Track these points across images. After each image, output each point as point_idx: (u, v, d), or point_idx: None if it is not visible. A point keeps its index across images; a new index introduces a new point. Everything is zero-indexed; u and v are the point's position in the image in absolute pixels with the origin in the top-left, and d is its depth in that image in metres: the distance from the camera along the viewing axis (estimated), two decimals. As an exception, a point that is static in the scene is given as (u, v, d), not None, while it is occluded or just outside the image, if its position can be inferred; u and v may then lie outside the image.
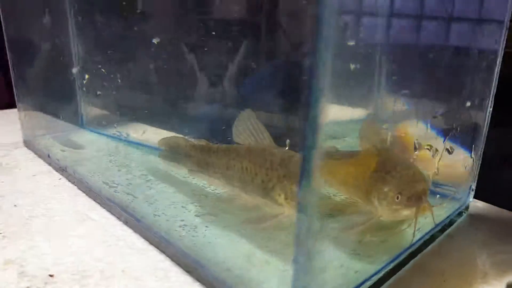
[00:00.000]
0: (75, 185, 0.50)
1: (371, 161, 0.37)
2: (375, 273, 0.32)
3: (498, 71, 0.40)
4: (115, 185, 0.43)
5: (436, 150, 0.40)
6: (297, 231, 0.23)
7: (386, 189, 0.34)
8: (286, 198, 0.33)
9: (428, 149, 0.41)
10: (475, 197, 0.47)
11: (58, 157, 0.55)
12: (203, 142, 0.40)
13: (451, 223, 0.42)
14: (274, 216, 0.34)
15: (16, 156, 0.61)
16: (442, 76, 0.39)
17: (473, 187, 0.43)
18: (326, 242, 0.30)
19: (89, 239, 0.38)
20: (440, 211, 0.40)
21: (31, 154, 0.62)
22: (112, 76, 0.42)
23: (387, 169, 0.35)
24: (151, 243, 0.37)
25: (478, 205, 0.46)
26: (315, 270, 0.24)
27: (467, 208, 0.44)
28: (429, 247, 0.38)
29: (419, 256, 0.37)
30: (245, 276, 0.30)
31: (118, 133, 0.48)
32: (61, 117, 0.52)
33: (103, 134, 0.53)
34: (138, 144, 0.48)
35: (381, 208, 0.34)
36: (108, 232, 0.40)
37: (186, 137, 0.42)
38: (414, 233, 0.34)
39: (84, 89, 0.44)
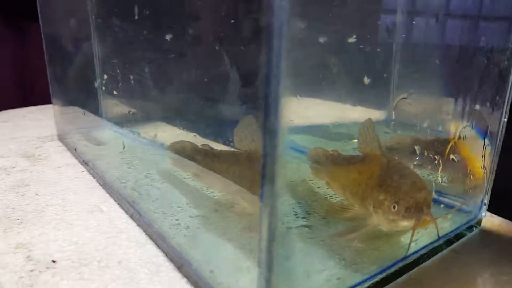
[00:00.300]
0: (94, 178, 0.53)
1: (368, 166, 0.36)
2: (360, 283, 0.31)
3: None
4: (124, 181, 0.45)
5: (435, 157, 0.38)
6: (260, 235, 0.23)
7: (381, 197, 0.33)
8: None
9: (433, 156, 0.39)
10: (494, 212, 0.45)
11: (82, 151, 0.58)
12: (206, 147, 0.41)
13: (459, 237, 0.40)
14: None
15: (48, 149, 0.65)
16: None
17: (485, 201, 0.41)
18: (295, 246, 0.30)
19: (94, 230, 0.40)
20: (445, 223, 0.39)
21: (62, 147, 0.66)
22: (129, 76, 0.44)
23: (383, 176, 0.34)
24: (150, 237, 0.39)
25: (494, 220, 0.44)
26: (280, 273, 0.24)
27: (479, 222, 0.42)
28: (429, 261, 0.37)
29: (415, 269, 0.35)
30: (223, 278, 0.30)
31: (132, 132, 0.50)
32: (84, 113, 0.55)
33: (120, 133, 0.56)
34: (151, 144, 0.50)
35: (377, 216, 0.33)
36: (113, 224, 0.42)
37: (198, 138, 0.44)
38: (409, 246, 0.33)
39: (103, 88, 0.46)
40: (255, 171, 0.35)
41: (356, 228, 0.34)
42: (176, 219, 0.38)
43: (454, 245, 0.39)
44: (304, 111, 0.56)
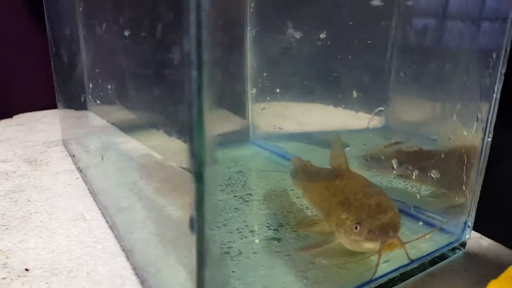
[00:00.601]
0: (87, 186, 0.55)
1: (333, 182, 0.35)
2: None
3: (498, 94, 0.36)
4: (107, 190, 0.46)
5: (414, 171, 0.37)
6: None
7: (343, 216, 0.32)
8: (336, 225, 0.33)
9: (408, 169, 0.38)
10: (485, 234, 0.43)
11: (78, 158, 0.60)
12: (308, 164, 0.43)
13: (441, 258, 0.38)
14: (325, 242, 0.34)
15: (52, 154, 0.68)
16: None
17: (469, 223, 0.39)
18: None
19: (73, 239, 0.41)
20: (423, 244, 0.37)
21: (65, 153, 0.68)
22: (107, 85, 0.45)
23: (347, 193, 0.33)
24: (123, 250, 0.40)
25: (482, 243, 0.42)
26: None
27: (463, 245, 0.40)
28: (401, 284, 0.35)
29: (385, 292, 0.34)
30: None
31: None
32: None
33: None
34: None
35: (339, 235, 0.32)
36: (92, 234, 0.42)
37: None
38: (375, 270, 0.32)
39: (90, 97, 0.47)
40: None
41: (321, 244, 0.33)
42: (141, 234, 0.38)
43: (432, 268, 0.37)
44: (295, 119, 0.55)
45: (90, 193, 0.52)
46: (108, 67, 0.41)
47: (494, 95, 0.36)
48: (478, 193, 0.38)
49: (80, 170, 0.58)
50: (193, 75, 0.19)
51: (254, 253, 0.35)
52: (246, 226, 0.40)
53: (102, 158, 0.44)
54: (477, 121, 0.36)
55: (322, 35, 0.47)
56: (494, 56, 0.34)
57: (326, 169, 0.39)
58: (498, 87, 0.35)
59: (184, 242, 0.23)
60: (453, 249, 0.39)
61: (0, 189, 0.53)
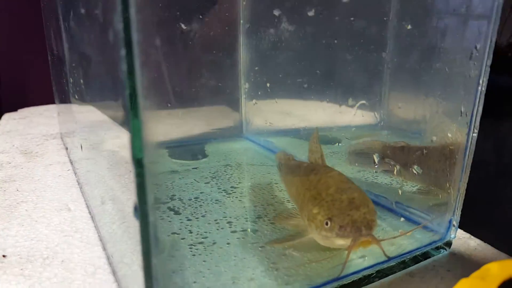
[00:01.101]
0: (76, 178, 0.55)
1: (308, 176, 0.34)
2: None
3: (483, 87, 0.34)
4: (88, 183, 0.46)
5: (396, 166, 0.36)
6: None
7: (315, 211, 0.31)
8: (308, 219, 0.32)
9: (390, 164, 0.37)
10: (475, 234, 0.41)
11: (71, 150, 0.60)
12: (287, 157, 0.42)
13: (424, 257, 0.37)
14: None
15: (48, 146, 0.68)
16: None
17: (454, 222, 0.38)
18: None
19: (53, 228, 0.41)
20: (404, 241, 0.36)
21: (61, 146, 0.69)
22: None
23: (319, 188, 0.32)
24: (101, 240, 0.39)
25: (470, 243, 0.40)
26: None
27: (447, 244, 0.39)
28: (378, 281, 0.34)
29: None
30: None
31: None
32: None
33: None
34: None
35: (311, 230, 0.32)
36: (73, 223, 0.43)
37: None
38: (343, 267, 0.30)
39: (71, 91, 0.48)
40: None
41: (293, 237, 0.33)
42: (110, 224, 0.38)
43: (413, 267, 0.36)
44: (288, 114, 0.55)
45: (78, 184, 0.52)
46: (75, 59, 0.41)
47: (479, 88, 0.34)
48: (463, 191, 0.37)
49: (71, 162, 0.58)
50: (122, 54, 0.18)
51: (228, 243, 0.35)
52: (224, 217, 0.39)
53: (81, 148, 0.44)
54: (461, 115, 0.35)
55: (315, 29, 0.46)
56: (477, 46, 0.33)
57: (304, 163, 0.39)
58: (483, 80, 0.34)
59: (133, 230, 0.23)
60: (437, 248, 0.38)
61: (-9, 179, 0.54)
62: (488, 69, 0.34)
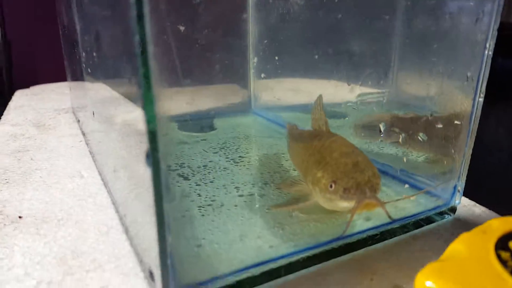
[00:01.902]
0: (88, 148, 0.56)
1: (311, 142, 0.35)
2: (291, 254, 0.30)
3: (490, 51, 0.34)
4: (100, 152, 0.47)
5: (401, 134, 0.36)
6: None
7: (319, 175, 0.32)
8: (312, 183, 0.33)
9: (396, 132, 0.38)
10: (478, 201, 0.42)
11: (83, 122, 0.61)
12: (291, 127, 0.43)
13: (427, 221, 0.38)
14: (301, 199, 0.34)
15: (60, 120, 0.70)
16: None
17: (459, 187, 0.38)
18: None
19: (67, 193, 0.43)
20: (407, 204, 0.37)
21: (72, 119, 0.70)
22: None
23: (323, 153, 0.33)
24: (114, 203, 0.41)
25: (475, 210, 0.41)
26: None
27: (452, 210, 0.39)
28: (381, 243, 0.35)
29: (362, 250, 0.34)
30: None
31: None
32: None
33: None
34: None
35: (315, 194, 0.32)
36: (86, 189, 0.44)
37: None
38: (346, 227, 0.31)
39: (84, 65, 0.48)
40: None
41: (297, 201, 0.34)
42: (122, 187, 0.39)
43: (417, 231, 0.37)
44: (297, 90, 0.55)
45: (90, 154, 0.54)
46: (89, 34, 0.41)
47: (486, 52, 0.34)
48: (468, 157, 0.37)
49: (83, 134, 0.60)
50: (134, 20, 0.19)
51: (235, 206, 0.36)
52: (232, 183, 0.40)
53: (93, 114, 0.45)
54: (467, 80, 0.35)
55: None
56: (484, 9, 0.33)
57: (307, 131, 0.39)
58: (490, 43, 0.34)
59: (144, 181, 0.24)
60: (441, 213, 0.39)
61: (6, 149, 0.55)
62: (496, 33, 0.34)
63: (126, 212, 0.35)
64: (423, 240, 0.36)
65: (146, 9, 0.20)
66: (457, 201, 0.39)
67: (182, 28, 0.50)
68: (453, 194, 0.39)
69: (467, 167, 0.38)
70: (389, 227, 0.35)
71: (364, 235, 0.34)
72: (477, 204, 0.42)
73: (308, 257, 0.31)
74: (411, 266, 0.32)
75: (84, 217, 0.38)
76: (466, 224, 0.38)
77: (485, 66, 0.35)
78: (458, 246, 0.25)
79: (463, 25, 0.34)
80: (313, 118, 0.39)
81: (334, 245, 0.32)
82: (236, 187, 0.39)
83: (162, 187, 0.23)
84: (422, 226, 0.37)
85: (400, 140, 0.37)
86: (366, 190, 0.30)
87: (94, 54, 0.39)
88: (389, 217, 0.33)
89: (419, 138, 0.36)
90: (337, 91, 0.47)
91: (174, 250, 0.25)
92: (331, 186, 0.30)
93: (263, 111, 0.63)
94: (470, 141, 0.37)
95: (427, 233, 0.37)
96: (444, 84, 0.36)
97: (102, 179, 0.46)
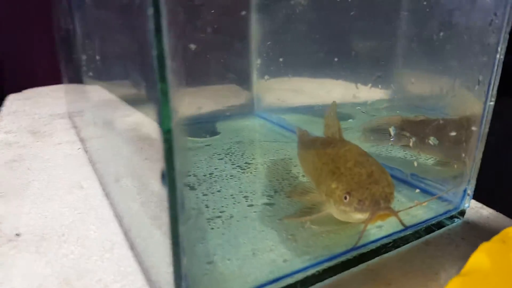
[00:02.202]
0: (87, 156, 0.55)
1: (325, 151, 0.34)
2: (306, 268, 0.30)
3: (502, 55, 0.34)
4: (104, 159, 0.46)
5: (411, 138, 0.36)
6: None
7: (333, 186, 0.31)
8: (326, 194, 0.32)
9: (407, 136, 0.37)
10: (486, 204, 0.41)
11: (81, 129, 0.60)
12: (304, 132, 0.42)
13: (438, 226, 0.37)
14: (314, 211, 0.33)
15: (56, 126, 0.68)
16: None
17: (469, 190, 0.38)
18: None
19: (67, 206, 0.42)
20: (419, 211, 0.36)
21: (69, 125, 0.68)
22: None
23: (337, 162, 0.32)
24: (116, 216, 0.40)
25: (482, 212, 0.41)
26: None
27: (461, 213, 0.39)
28: (394, 251, 0.34)
29: (377, 259, 0.33)
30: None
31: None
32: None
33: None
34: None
35: (329, 205, 0.32)
36: (87, 201, 0.43)
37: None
38: (359, 238, 0.30)
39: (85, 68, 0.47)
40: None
41: (310, 212, 0.33)
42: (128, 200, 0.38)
43: (428, 236, 0.36)
44: (300, 92, 0.54)
45: (90, 162, 0.52)
46: (94, 36, 0.40)
47: (498, 56, 0.34)
48: (479, 160, 0.37)
49: (81, 140, 0.58)
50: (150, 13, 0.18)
51: (245, 217, 0.35)
52: (240, 192, 0.39)
53: (94, 120, 0.43)
54: (478, 84, 0.34)
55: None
56: (497, 13, 0.32)
57: (320, 138, 0.38)
58: (502, 47, 0.33)
59: (157, 199, 0.23)
60: (451, 217, 0.38)
61: (1, 159, 0.53)
62: (507, 36, 0.33)
63: (131, 226, 0.34)
64: (434, 246, 0.35)
65: (164, 23, 0.19)
66: (466, 205, 0.39)
67: (199, 35, 0.48)
68: (463, 197, 0.38)
69: (477, 171, 0.37)
70: (402, 234, 0.35)
71: (378, 244, 0.33)
72: (484, 206, 0.42)
73: (324, 270, 0.30)
74: (425, 273, 0.32)
75: (86, 232, 0.37)
76: (476, 228, 0.38)
77: (496, 70, 0.34)
78: (479, 258, 0.25)
79: (476, 30, 0.33)
80: (326, 124, 0.38)
81: (349, 256, 0.32)
82: (244, 196, 0.38)
83: (178, 207, 0.22)
84: (433, 231, 0.37)
85: (411, 143, 0.37)
86: (380, 201, 0.29)
87: (98, 57, 0.38)
88: (403, 224, 0.32)
89: (430, 142, 0.36)
90: (343, 93, 0.46)
91: (188, 271, 0.24)
92: (345, 198, 0.30)
93: (266, 114, 0.62)
94: (481, 145, 0.36)
95: (438, 238, 0.36)
96: (455, 87, 0.35)
97: (104, 190, 0.45)
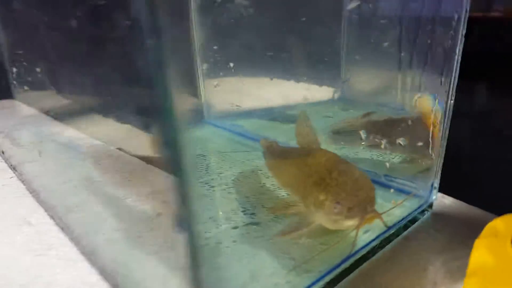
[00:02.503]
0: (24, 185, 0.48)
1: (306, 162, 0.34)
2: (311, 285, 0.29)
3: (459, 56, 0.36)
4: (53, 188, 0.41)
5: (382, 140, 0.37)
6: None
7: (322, 198, 0.31)
8: (314, 206, 0.31)
9: (376, 138, 0.38)
10: (444, 192, 0.44)
11: (10, 153, 0.53)
12: (272, 143, 0.40)
13: (412, 221, 0.39)
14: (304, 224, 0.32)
15: (-26, 152, 0.59)
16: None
17: (436, 184, 0.40)
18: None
19: (19, 248, 0.36)
20: (396, 210, 0.38)
21: (-10, 150, 0.60)
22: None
23: (322, 173, 0.32)
24: (83, 253, 0.35)
25: (445, 202, 0.43)
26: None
27: (430, 206, 0.41)
28: (380, 252, 0.35)
29: (366, 263, 0.34)
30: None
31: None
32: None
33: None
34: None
35: (319, 216, 0.31)
36: (42, 239, 0.38)
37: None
38: (353, 245, 0.31)
39: (15, 82, 0.42)
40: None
41: (299, 226, 0.32)
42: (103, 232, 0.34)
43: (406, 232, 0.38)
44: (252, 95, 0.53)
45: (30, 193, 0.46)
46: (36, 46, 0.35)
47: (456, 57, 0.36)
48: (443, 155, 0.39)
49: (13, 168, 0.51)
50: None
51: (234, 241, 0.33)
52: (219, 213, 0.37)
53: (39, 154, 0.38)
54: (440, 84, 0.36)
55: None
56: (456, 17, 0.34)
57: (295, 149, 0.38)
58: (459, 48, 0.36)
59: (168, 241, 0.20)
60: (422, 211, 0.40)
61: None
62: (463, 39, 0.36)
63: (111, 263, 0.31)
64: (414, 241, 0.37)
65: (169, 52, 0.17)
66: (433, 197, 0.41)
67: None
68: (431, 191, 0.40)
69: (441, 164, 0.40)
70: (386, 234, 0.36)
71: (368, 248, 0.34)
72: (444, 195, 0.45)
73: (327, 283, 0.30)
74: (415, 271, 0.33)
75: (52, 277, 0.33)
76: (444, 218, 0.40)
77: (456, 70, 0.36)
78: (480, 255, 0.26)
79: (438, 33, 0.35)
80: (299, 134, 0.37)
81: (346, 264, 0.32)
82: (226, 218, 0.36)
83: (198, 251, 0.20)
84: (409, 227, 0.38)
85: (382, 146, 0.38)
86: (367, 206, 0.30)
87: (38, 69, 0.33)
88: (386, 225, 0.33)
89: (400, 142, 0.37)
90: (298, 93, 0.46)
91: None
92: (335, 208, 0.30)
93: (218, 121, 0.60)
94: (444, 141, 0.39)
95: (415, 232, 0.38)
96: (421, 87, 0.37)
97: (57, 224, 0.40)
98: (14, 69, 0.39)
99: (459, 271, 0.33)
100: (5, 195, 0.46)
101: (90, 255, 0.34)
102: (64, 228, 0.38)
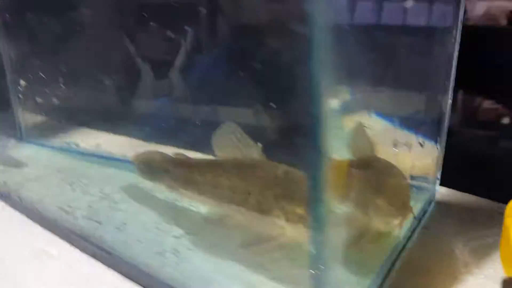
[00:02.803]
0: (24, 214, 0.44)
1: (363, 171, 0.36)
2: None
3: (456, 53, 0.40)
4: (70, 210, 0.38)
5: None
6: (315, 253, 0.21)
7: (380, 202, 0.33)
8: (287, 220, 0.31)
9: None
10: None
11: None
12: (180, 156, 0.37)
13: (424, 213, 0.43)
14: (273, 237, 0.32)
15: None
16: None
17: (438, 176, 0.45)
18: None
19: (53, 282, 0.34)
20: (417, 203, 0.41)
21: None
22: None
23: (380, 180, 0.34)
24: (128, 277, 0.34)
25: (442, 192, 0.48)
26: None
27: (434, 196, 0.45)
28: (410, 241, 0.39)
29: (404, 252, 0.37)
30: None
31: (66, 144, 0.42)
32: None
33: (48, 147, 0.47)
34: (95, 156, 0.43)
35: (377, 220, 0.33)
36: (73, 270, 0.35)
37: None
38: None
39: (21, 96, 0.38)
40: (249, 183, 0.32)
41: (361, 236, 0.34)
42: (160, 246, 0.33)
43: (422, 222, 0.42)
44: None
45: (36, 221, 0.42)
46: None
47: (454, 63, 0.41)
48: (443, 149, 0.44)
49: (6, 196, 0.46)
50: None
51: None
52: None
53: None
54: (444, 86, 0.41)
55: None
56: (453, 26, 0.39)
57: (353, 160, 0.37)
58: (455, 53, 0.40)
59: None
60: (429, 202, 0.44)
61: None
62: (459, 46, 0.41)
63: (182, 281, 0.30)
64: (433, 229, 0.40)
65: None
66: (437, 188, 0.46)
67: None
68: (435, 183, 0.45)
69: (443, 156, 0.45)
70: (413, 224, 0.39)
71: (406, 239, 0.37)
72: (440, 186, 0.49)
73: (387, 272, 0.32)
74: (446, 253, 0.37)
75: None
76: (447, 206, 0.45)
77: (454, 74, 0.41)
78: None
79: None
80: (352, 145, 0.37)
81: (394, 254, 0.35)
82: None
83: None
84: (422, 216, 0.42)
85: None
86: (409, 202, 0.33)
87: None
88: (415, 216, 0.37)
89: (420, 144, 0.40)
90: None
91: None
92: (389, 209, 0.32)
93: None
94: (445, 135, 0.43)
95: (430, 222, 0.42)
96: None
97: (84, 250, 0.37)
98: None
99: (480, 249, 0.37)
100: (7, 227, 0.42)
101: (140, 278, 0.33)
102: (97, 253, 0.36)
